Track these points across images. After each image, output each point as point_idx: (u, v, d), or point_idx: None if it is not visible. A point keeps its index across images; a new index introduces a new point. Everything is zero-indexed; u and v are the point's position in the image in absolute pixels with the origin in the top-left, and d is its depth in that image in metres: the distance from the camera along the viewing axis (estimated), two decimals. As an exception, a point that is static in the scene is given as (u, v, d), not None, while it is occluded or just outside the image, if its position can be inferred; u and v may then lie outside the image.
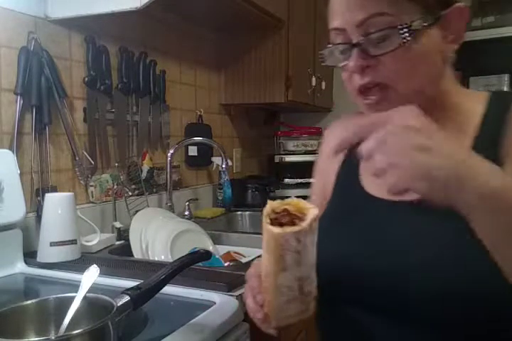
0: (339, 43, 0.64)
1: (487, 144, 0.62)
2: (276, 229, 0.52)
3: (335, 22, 0.64)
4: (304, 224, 0.52)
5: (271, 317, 0.58)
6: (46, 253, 1.19)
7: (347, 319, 0.67)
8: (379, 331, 0.63)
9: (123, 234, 1.49)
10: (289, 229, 0.52)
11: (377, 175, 0.49)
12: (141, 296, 0.76)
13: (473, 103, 0.67)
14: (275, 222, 0.54)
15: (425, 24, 0.59)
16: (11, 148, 1.25)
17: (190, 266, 0.88)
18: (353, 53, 0.61)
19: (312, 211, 0.54)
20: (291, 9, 2.06)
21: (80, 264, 1.18)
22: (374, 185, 0.72)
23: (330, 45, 0.66)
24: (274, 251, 0.54)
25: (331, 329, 0.72)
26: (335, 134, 0.82)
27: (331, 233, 0.59)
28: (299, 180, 2.45)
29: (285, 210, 0.55)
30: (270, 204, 0.56)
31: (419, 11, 0.59)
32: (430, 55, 0.62)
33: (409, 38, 0.58)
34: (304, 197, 0.60)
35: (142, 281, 0.80)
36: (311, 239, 0.54)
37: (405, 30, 0.58)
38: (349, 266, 0.66)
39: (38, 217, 1.29)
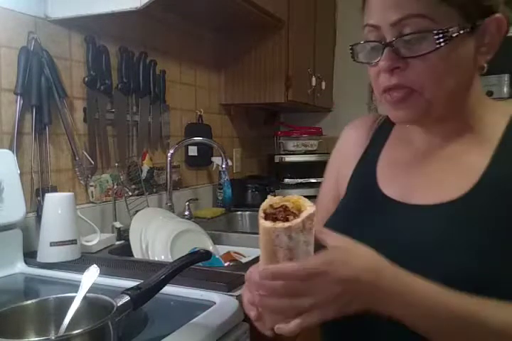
0: (371, 40, 0.63)
1: (507, 158, 0.63)
2: (268, 224, 0.53)
3: (370, 18, 0.62)
4: (295, 222, 0.52)
5: (264, 317, 0.58)
6: (46, 253, 1.19)
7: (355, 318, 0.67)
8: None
9: (123, 234, 1.49)
10: (279, 224, 0.52)
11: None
12: (141, 296, 0.76)
13: (497, 115, 0.66)
14: (271, 216, 0.54)
15: (462, 32, 0.58)
16: (11, 148, 1.25)
17: (190, 266, 0.88)
18: (384, 52, 0.60)
19: (308, 209, 0.54)
20: (291, 9, 2.06)
21: (79, 264, 1.18)
22: (391, 187, 0.71)
23: (362, 42, 0.65)
24: (265, 246, 0.54)
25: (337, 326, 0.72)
26: (353, 132, 0.83)
27: (345, 231, 0.59)
28: (299, 180, 2.45)
29: (283, 206, 0.55)
30: (270, 199, 0.56)
31: (458, 17, 0.58)
32: (462, 64, 0.61)
33: (442, 44, 0.57)
34: (305, 197, 0.59)
35: (142, 281, 0.80)
36: (306, 238, 0.53)
37: (441, 35, 0.57)
38: None
39: (38, 217, 1.29)
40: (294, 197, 0.56)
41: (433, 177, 0.67)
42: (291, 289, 0.52)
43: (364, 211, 0.73)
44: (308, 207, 0.54)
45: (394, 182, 0.71)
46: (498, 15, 0.60)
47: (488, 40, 0.62)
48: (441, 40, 0.57)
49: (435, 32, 0.57)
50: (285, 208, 0.55)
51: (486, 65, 0.64)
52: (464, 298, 0.54)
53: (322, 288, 0.52)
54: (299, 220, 0.52)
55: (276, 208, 0.55)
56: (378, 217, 0.70)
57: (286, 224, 0.52)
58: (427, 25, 0.58)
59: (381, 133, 0.79)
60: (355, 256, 0.54)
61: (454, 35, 0.58)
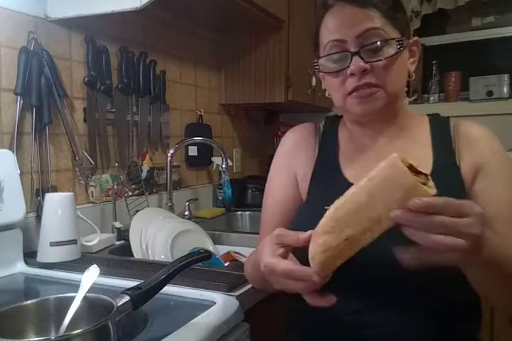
0: (339, 52, 0.77)
1: (443, 153, 0.79)
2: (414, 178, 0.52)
3: (333, 35, 0.77)
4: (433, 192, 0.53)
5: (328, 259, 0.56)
6: (46, 253, 1.19)
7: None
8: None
9: (123, 234, 1.49)
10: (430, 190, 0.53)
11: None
12: (141, 296, 0.76)
13: (418, 120, 0.85)
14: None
15: (405, 43, 0.78)
16: (11, 148, 1.25)
17: (190, 266, 0.88)
18: (353, 59, 0.75)
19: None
20: (291, 9, 2.06)
21: (79, 264, 1.18)
22: (355, 173, 0.82)
23: (326, 55, 0.79)
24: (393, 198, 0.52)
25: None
26: (295, 136, 0.94)
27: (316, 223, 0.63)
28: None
29: (410, 165, 0.54)
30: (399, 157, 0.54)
31: (398, 34, 0.77)
32: (404, 68, 0.80)
33: (399, 49, 0.75)
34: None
35: (142, 281, 0.80)
36: None
37: (397, 43, 0.75)
38: None
39: (38, 217, 1.29)
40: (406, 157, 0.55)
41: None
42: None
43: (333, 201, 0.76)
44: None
45: (357, 167, 0.84)
46: (415, 37, 0.83)
47: (413, 54, 0.82)
48: (399, 46, 0.76)
49: (396, 40, 0.76)
50: (410, 166, 0.53)
51: (413, 75, 0.82)
52: None
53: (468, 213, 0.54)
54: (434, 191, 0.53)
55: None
56: None
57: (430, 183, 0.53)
58: (382, 36, 0.75)
59: (328, 136, 0.91)
60: None
61: (404, 44, 0.77)
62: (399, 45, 0.76)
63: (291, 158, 0.92)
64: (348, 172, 0.84)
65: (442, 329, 0.74)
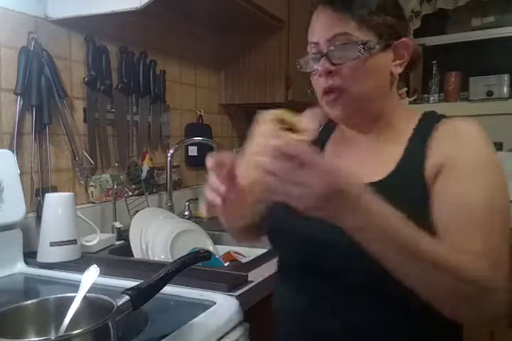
0: (313, 53, 0.81)
1: (414, 151, 0.78)
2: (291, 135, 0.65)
3: (313, 37, 0.81)
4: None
5: (247, 191, 0.68)
6: (46, 253, 1.19)
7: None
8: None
9: (123, 234, 1.49)
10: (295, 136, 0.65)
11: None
12: (141, 296, 0.76)
13: (406, 122, 0.83)
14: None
15: (377, 46, 0.78)
16: (11, 148, 1.25)
17: (190, 266, 0.88)
18: (321, 61, 0.78)
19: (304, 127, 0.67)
20: (291, 9, 2.06)
21: (79, 264, 1.18)
22: None
23: (303, 56, 0.84)
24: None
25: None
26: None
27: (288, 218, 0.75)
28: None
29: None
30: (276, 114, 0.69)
31: (374, 36, 0.77)
32: (379, 71, 0.80)
33: (363, 53, 0.76)
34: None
35: (142, 281, 0.80)
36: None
37: (360, 46, 0.76)
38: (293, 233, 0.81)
39: (38, 217, 1.29)
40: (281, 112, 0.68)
41: (364, 164, 0.82)
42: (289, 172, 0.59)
43: None
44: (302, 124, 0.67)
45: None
46: (404, 39, 0.80)
47: (400, 55, 0.81)
48: (362, 49, 0.76)
49: (359, 44, 0.76)
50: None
51: (397, 76, 0.82)
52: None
53: (315, 175, 0.58)
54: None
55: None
56: None
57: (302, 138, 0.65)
58: (351, 39, 0.76)
59: (326, 131, 0.94)
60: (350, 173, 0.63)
61: (371, 47, 0.77)
62: (364, 48, 0.76)
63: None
64: None
65: (399, 325, 0.75)
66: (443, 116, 0.82)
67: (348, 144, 0.89)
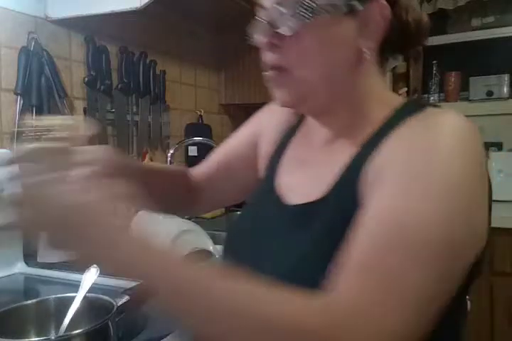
0: (259, 20, 0.60)
1: (360, 158, 0.56)
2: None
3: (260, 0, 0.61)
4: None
5: None
6: (46, 253, 1.19)
7: None
8: None
9: (123, 234, 1.48)
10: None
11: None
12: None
13: (380, 111, 0.59)
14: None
15: (334, 10, 0.55)
16: (11, 148, 1.25)
17: (190, 266, 0.87)
18: (265, 30, 0.58)
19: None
20: (291, 9, 2.06)
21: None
22: (283, 183, 0.67)
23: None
24: None
25: None
26: (278, 113, 0.77)
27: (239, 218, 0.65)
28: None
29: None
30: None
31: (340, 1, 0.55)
32: (339, 46, 0.57)
33: (311, 17, 0.54)
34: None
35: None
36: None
37: (309, 8, 0.54)
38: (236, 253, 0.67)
39: (38, 217, 1.28)
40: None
41: (310, 175, 0.63)
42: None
43: (256, 206, 0.71)
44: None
45: (285, 178, 0.68)
46: (382, 1, 0.56)
47: (371, 25, 0.57)
48: (310, 13, 0.54)
49: (308, 5, 0.54)
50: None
51: (368, 53, 0.58)
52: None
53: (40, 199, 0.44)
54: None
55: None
56: (260, 217, 0.67)
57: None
58: (302, 2, 0.55)
59: (287, 132, 0.74)
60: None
61: (327, 10, 0.55)
62: (314, 12, 0.54)
63: (264, 131, 0.78)
64: (280, 179, 0.68)
65: None
66: (428, 106, 0.58)
67: (307, 145, 0.68)
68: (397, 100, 0.61)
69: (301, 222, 0.58)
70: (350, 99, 0.61)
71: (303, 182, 0.64)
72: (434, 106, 0.58)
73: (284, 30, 0.56)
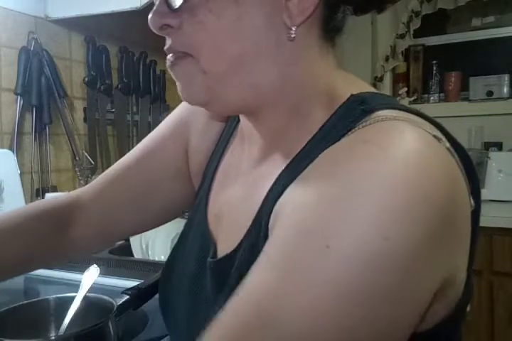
0: None
1: (281, 187, 0.41)
2: None
3: None
4: None
5: None
6: (46, 253, 1.19)
7: None
8: None
9: (123, 234, 1.48)
10: None
11: None
12: (141, 296, 0.76)
13: (324, 110, 0.43)
14: None
15: None
16: (11, 148, 1.25)
17: (190, 266, 0.87)
18: (157, 5, 0.44)
19: None
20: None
21: (80, 264, 1.18)
22: (218, 206, 0.53)
23: None
24: None
25: None
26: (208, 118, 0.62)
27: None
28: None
29: None
30: None
31: None
32: (251, 22, 0.41)
33: None
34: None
35: (142, 281, 0.80)
36: None
37: None
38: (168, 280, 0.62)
39: (38, 217, 1.28)
40: None
41: (240, 198, 0.49)
42: None
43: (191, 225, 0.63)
44: None
45: (219, 197, 0.54)
46: None
47: None
48: None
49: None
50: None
51: (294, 33, 0.41)
52: None
53: None
54: None
55: None
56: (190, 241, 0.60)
57: None
58: None
59: (231, 127, 0.57)
60: None
61: None
62: None
63: (193, 135, 0.63)
64: (213, 202, 0.55)
65: None
66: (380, 108, 0.38)
67: (240, 157, 0.53)
68: (346, 91, 0.43)
69: (220, 280, 0.47)
70: (279, 94, 0.44)
71: (233, 206, 0.50)
72: (392, 108, 0.38)
73: (186, 5, 0.41)
